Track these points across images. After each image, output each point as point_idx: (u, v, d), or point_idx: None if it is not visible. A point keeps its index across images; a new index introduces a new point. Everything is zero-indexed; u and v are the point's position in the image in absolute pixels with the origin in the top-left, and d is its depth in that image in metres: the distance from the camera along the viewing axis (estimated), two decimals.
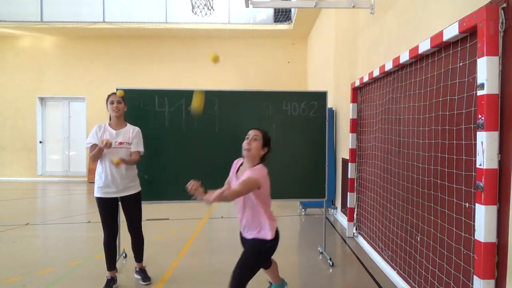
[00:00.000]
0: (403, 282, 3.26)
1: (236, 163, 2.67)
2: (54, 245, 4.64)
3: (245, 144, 2.47)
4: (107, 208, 3.20)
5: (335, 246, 4.65)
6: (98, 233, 3.38)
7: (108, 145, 3.00)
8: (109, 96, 3.29)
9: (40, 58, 10.23)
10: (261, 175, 2.38)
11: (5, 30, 9.74)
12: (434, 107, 2.71)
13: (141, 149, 3.33)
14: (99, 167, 3.20)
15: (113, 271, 3.28)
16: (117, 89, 3.46)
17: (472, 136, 2.19)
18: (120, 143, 3.20)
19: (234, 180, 2.55)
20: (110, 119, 3.32)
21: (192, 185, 2.07)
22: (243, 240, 2.61)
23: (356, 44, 5.04)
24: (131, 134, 3.28)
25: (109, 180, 3.16)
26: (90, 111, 10.04)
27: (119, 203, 3.30)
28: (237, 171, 2.60)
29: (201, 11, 6.15)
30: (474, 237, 2.08)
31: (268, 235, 2.42)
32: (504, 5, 1.95)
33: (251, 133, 2.51)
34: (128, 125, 3.34)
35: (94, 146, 3.14)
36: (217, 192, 2.06)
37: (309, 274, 3.69)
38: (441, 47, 2.61)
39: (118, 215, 3.34)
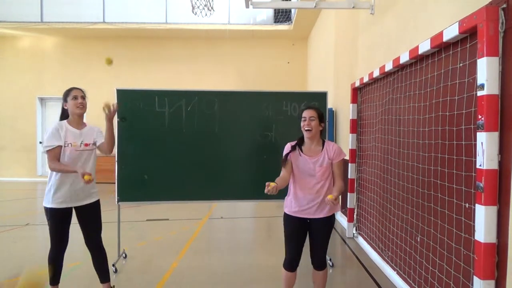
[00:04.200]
0: (403, 283, 3.25)
1: (288, 146, 2.69)
2: None
3: (305, 125, 2.58)
4: (64, 220, 2.76)
5: (335, 247, 4.65)
6: None
7: (90, 181, 2.53)
8: (69, 90, 2.83)
9: (40, 59, 10.23)
10: (343, 152, 2.64)
11: (5, 31, 9.74)
12: (434, 108, 2.71)
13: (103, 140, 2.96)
14: (57, 173, 2.72)
15: (57, 285, 2.91)
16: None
17: (472, 136, 2.19)
18: (86, 145, 2.82)
19: (307, 162, 2.59)
20: (62, 117, 2.87)
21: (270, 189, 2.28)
22: (303, 221, 2.63)
23: (356, 45, 5.04)
24: (95, 134, 2.91)
25: (73, 189, 2.73)
26: (90, 112, 10.00)
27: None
28: (300, 151, 2.63)
29: (201, 12, 6.16)
30: (474, 237, 2.08)
31: (337, 208, 2.62)
32: (504, 5, 1.95)
33: (307, 114, 2.59)
34: (88, 124, 2.95)
35: (58, 148, 2.68)
36: (336, 195, 2.38)
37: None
38: (441, 48, 2.61)
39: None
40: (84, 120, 2.98)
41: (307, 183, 2.60)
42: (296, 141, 2.69)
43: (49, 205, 2.73)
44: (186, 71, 10.18)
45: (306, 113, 2.60)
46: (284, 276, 2.68)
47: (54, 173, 2.73)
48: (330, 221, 2.64)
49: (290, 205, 2.66)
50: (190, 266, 3.88)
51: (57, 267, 2.85)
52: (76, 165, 2.73)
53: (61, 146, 2.70)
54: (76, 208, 2.81)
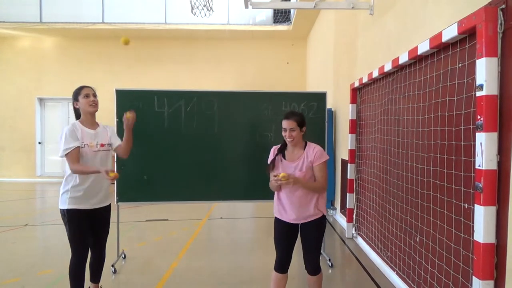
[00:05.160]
0: (402, 283, 3.26)
1: (274, 149, 2.70)
2: (53, 246, 4.63)
3: (287, 136, 2.55)
4: (86, 223, 2.68)
5: (334, 247, 4.65)
6: None
7: (116, 177, 2.41)
8: (80, 88, 2.71)
9: (40, 59, 10.22)
10: (325, 154, 2.62)
11: (5, 31, 9.73)
12: (433, 108, 2.71)
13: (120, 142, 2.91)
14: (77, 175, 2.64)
15: None
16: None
17: (471, 137, 2.19)
18: (102, 145, 2.73)
19: (288, 167, 2.58)
20: (77, 118, 2.77)
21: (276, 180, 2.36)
22: (293, 224, 2.62)
23: (356, 45, 5.04)
24: (109, 133, 2.84)
25: (94, 189, 2.67)
26: None
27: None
28: (283, 157, 2.64)
29: (200, 12, 6.16)
30: (473, 238, 2.08)
31: (324, 210, 2.65)
32: (503, 6, 1.95)
33: (287, 125, 2.54)
34: (100, 123, 2.86)
35: (77, 150, 2.56)
36: (296, 180, 2.41)
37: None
38: (440, 48, 2.61)
39: None
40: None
41: (290, 188, 2.54)
42: (280, 145, 2.67)
43: (66, 207, 2.63)
44: (185, 72, 10.18)
45: (286, 124, 2.54)
46: (274, 278, 2.65)
47: (74, 174, 2.62)
48: (320, 223, 2.61)
49: (277, 211, 2.68)
50: (189, 267, 3.88)
51: (81, 279, 2.69)
52: (93, 166, 2.63)
53: (79, 147, 2.58)
54: (90, 210, 2.71)
